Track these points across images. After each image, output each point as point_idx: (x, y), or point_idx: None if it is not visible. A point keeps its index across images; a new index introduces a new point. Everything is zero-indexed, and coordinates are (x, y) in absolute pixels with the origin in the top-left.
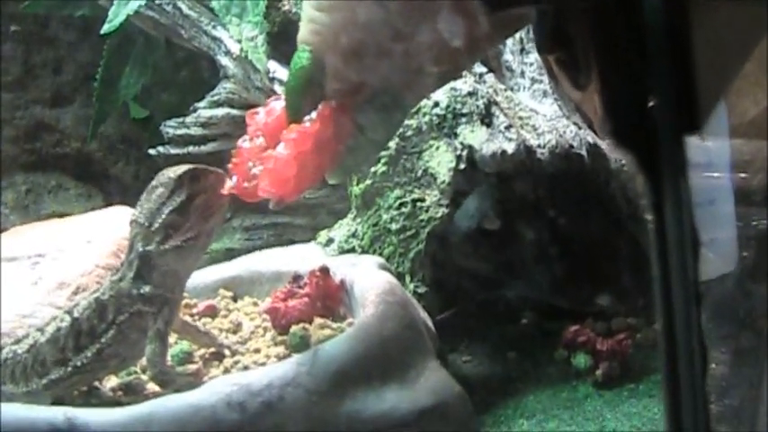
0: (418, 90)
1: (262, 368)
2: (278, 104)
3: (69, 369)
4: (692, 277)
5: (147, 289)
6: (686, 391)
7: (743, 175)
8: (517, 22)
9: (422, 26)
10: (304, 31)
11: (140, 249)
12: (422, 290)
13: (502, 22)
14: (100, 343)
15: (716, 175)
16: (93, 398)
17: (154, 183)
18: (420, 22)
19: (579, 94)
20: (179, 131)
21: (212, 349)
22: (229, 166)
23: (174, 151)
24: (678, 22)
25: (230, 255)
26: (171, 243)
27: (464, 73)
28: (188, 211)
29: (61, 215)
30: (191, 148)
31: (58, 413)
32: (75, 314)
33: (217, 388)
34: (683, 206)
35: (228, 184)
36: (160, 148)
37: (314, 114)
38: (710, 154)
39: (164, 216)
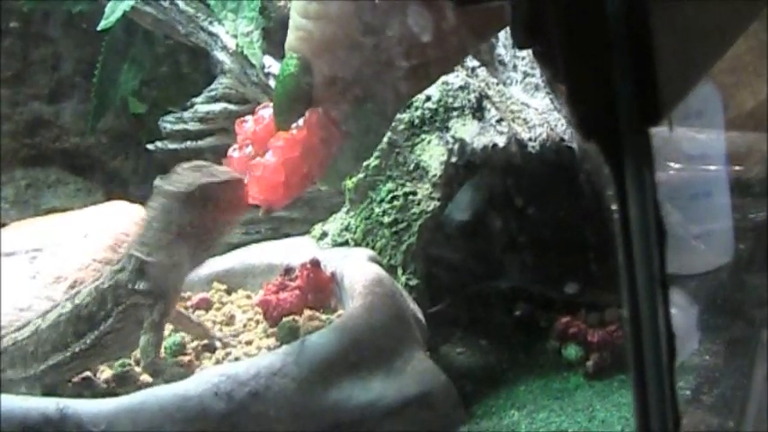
0: (389, 84)
1: (249, 359)
2: (266, 112)
3: (69, 354)
4: (656, 266)
5: (143, 285)
6: (652, 379)
7: (739, 167)
8: (497, 22)
9: (391, 20)
10: (291, 39)
11: (138, 255)
12: (414, 282)
13: (480, 22)
14: (99, 330)
15: (713, 167)
16: (86, 389)
17: (168, 186)
18: (389, 17)
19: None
20: (177, 126)
21: (204, 341)
22: None
23: (171, 146)
24: (641, 13)
25: (228, 249)
26: (175, 256)
27: (456, 67)
28: (191, 230)
29: (61, 210)
30: (188, 143)
31: (50, 404)
32: (77, 301)
33: (205, 378)
34: (646, 196)
35: None
36: (158, 143)
37: (301, 121)
38: (707, 146)
39: (165, 234)
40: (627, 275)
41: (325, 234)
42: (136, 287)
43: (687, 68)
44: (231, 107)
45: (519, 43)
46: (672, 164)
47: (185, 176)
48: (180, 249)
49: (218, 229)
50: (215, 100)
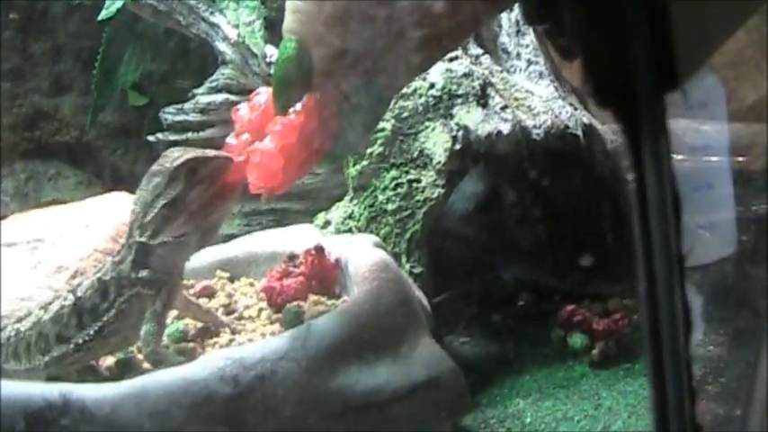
0: (401, 56)
1: (255, 342)
2: (261, 98)
3: (72, 347)
4: (673, 235)
5: (145, 273)
6: (668, 353)
7: (743, 158)
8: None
9: None
10: (289, 21)
11: (136, 238)
12: (418, 270)
13: None
14: (101, 322)
15: (715, 158)
16: (89, 376)
17: (156, 166)
18: None
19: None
20: (178, 118)
21: (202, 325)
22: None
23: (172, 138)
24: None
25: (230, 239)
26: (162, 237)
27: (460, 54)
28: (182, 206)
29: (61, 203)
30: (189, 135)
31: (54, 389)
32: (79, 293)
33: (210, 362)
34: (662, 164)
35: None
36: (159, 135)
37: (299, 106)
38: (710, 137)
39: (156, 209)
40: (643, 246)
41: (328, 222)
42: (139, 275)
43: (704, 36)
44: (232, 98)
45: (530, 20)
46: (674, 155)
47: (172, 155)
48: (176, 228)
49: (212, 208)
50: (216, 91)
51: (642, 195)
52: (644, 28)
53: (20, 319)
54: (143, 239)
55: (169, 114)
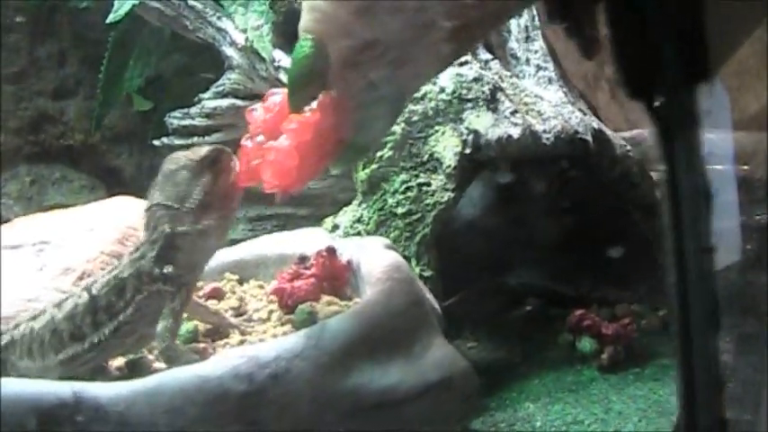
0: (431, 46)
1: (269, 341)
2: (276, 99)
3: (86, 345)
4: (704, 226)
5: (169, 269)
6: (697, 342)
7: (746, 167)
8: None
9: None
10: (306, 20)
11: (168, 230)
12: (427, 273)
13: None
14: (117, 320)
15: (719, 167)
16: (99, 376)
17: (171, 166)
18: None
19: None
20: (183, 122)
21: (210, 326)
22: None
23: (178, 142)
24: None
25: (234, 245)
26: (204, 223)
27: (470, 59)
28: (215, 191)
29: (65, 206)
30: (195, 139)
31: (66, 387)
32: (94, 291)
33: (225, 360)
34: (694, 154)
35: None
36: (164, 139)
37: (314, 104)
38: (714, 146)
39: (195, 197)
40: (674, 237)
41: (336, 226)
42: (163, 271)
43: (731, 28)
44: (239, 103)
45: (553, 17)
46: None
47: (188, 152)
48: (214, 213)
49: (231, 199)
50: (222, 95)
51: (674, 186)
52: (675, 18)
53: (34, 317)
54: (183, 228)
55: (174, 119)
